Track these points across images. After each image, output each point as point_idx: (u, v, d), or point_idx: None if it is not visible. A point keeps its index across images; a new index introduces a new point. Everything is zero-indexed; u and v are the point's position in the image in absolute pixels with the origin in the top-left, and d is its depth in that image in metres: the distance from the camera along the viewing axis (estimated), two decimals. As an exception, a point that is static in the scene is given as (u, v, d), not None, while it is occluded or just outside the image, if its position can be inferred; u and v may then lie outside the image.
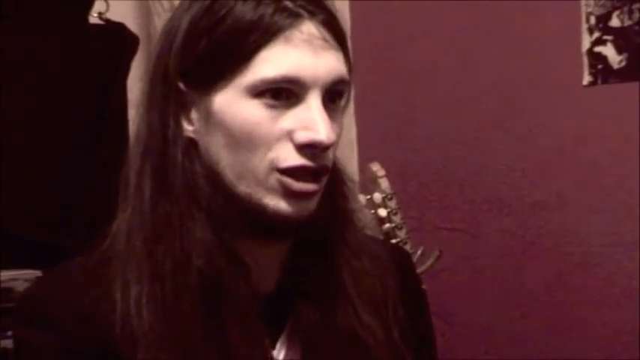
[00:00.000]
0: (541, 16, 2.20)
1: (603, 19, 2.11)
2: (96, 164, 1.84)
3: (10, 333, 1.54)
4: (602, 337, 2.16)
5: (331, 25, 1.10)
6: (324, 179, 1.10)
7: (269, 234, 1.11)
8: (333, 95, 1.10)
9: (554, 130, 2.21)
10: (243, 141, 1.07)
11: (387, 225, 1.87)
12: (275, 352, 1.14)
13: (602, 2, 2.11)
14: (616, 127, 2.12)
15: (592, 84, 2.14)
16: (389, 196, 1.87)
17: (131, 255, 1.10)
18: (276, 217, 1.08)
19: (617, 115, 2.12)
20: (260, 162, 1.07)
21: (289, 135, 1.07)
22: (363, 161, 2.19)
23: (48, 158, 1.85)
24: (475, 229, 2.33)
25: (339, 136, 1.11)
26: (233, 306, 1.08)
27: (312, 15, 1.08)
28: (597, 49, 2.13)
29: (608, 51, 2.12)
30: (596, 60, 2.13)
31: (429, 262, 1.90)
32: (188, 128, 1.10)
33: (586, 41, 2.14)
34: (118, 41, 1.97)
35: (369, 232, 1.36)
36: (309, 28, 1.07)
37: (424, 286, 1.43)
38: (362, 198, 1.82)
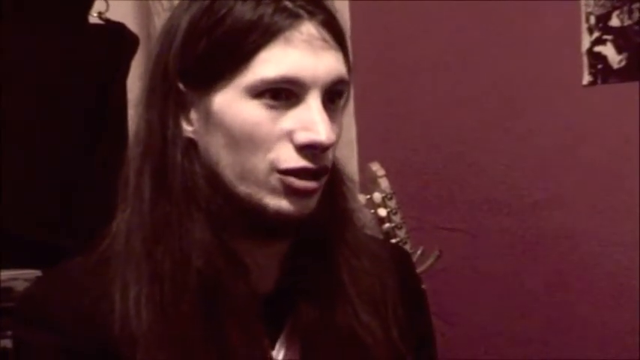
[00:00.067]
0: (541, 16, 2.20)
1: (603, 19, 2.11)
2: (96, 164, 1.84)
3: (10, 333, 1.54)
4: (602, 337, 2.15)
5: (331, 25, 1.10)
6: (324, 178, 1.10)
7: (269, 234, 1.11)
8: (332, 95, 1.10)
9: (554, 130, 2.20)
10: (243, 141, 1.07)
11: (387, 225, 1.87)
12: (274, 352, 1.14)
13: (602, 2, 2.11)
14: (616, 126, 2.12)
15: (592, 84, 2.14)
16: (389, 196, 1.87)
17: (130, 255, 1.10)
18: (277, 216, 1.08)
19: (617, 114, 2.12)
20: (260, 162, 1.07)
21: (289, 135, 1.07)
22: (363, 161, 2.19)
23: (48, 158, 1.84)
24: (475, 229, 2.32)
25: (338, 136, 1.11)
26: (232, 306, 1.08)
27: (311, 15, 1.08)
28: (597, 48, 2.13)
29: (608, 51, 2.11)
30: (596, 60, 2.13)
31: (428, 262, 1.90)
32: (187, 128, 1.10)
33: (586, 41, 2.14)
34: (118, 41, 1.96)
35: (368, 232, 1.35)
36: (308, 28, 1.08)
37: (424, 286, 1.44)
38: (362, 198, 1.82)
